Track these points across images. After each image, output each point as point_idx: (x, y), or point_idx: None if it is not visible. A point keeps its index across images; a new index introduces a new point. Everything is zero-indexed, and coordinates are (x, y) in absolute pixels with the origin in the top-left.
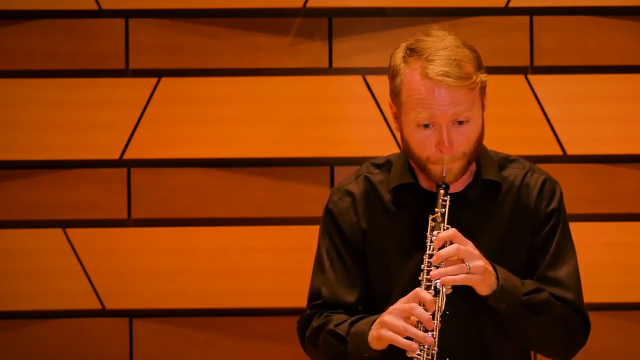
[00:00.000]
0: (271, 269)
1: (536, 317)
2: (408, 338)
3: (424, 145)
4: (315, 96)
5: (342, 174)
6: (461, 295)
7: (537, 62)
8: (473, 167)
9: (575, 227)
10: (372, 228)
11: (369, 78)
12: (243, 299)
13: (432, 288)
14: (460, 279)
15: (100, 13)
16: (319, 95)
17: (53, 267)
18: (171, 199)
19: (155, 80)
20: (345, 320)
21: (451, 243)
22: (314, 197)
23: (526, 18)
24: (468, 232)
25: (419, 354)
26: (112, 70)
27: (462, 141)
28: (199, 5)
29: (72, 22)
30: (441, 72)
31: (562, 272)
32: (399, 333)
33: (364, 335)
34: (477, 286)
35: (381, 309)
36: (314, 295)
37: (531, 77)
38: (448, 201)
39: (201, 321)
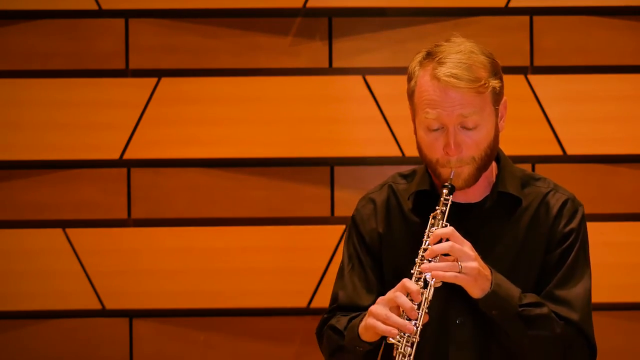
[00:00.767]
0: (271, 269)
1: (531, 331)
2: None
3: (433, 147)
4: (315, 96)
5: (342, 174)
6: (472, 304)
7: (537, 62)
8: (492, 179)
9: None
10: (389, 234)
11: (369, 78)
12: (243, 299)
13: (422, 280)
14: (450, 276)
15: (100, 13)
16: (319, 95)
17: (53, 267)
18: (171, 199)
19: (155, 80)
20: (346, 317)
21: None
22: (314, 197)
23: (526, 18)
24: (482, 244)
25: (398, 341)
26: (112, 70)
27: (471, 145)
28: (199, 5)
29: (72, 22)
30: (449, 74)
31: (570, 293)
32: (381, 321)
33: (355, 327)
34: (468, 288)
35: None
36: (333, 299)
37: (531, 77)
38: (450, 201)
39: (201, 321)
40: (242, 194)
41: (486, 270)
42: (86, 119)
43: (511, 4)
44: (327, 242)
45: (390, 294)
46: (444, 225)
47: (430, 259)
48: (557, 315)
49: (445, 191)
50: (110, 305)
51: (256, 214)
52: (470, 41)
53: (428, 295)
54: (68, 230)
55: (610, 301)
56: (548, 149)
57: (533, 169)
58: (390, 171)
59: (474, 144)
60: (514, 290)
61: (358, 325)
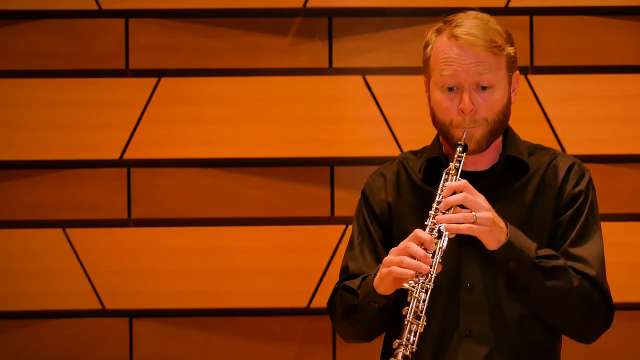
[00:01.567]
0: (271, 269)
1: (549, 282)
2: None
3: (447, 109)
4: (315, 96)
5: (342, 174)
6: (483, 266)
7: (537, 62)
8: (500, 147)
9: None
10: (399, 204)
11: (369, 78)
12: (243, 299)
13: (436, 231)
14: (464, 227)
15: (100, 13)
16: (319, 95)
17: (53, 267)
18: (171, 199)
19: (155, 80)
20: (359, 277)
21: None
22: (314, 197)
23: (526, 18)
24: (492, 209)
25: (413, 286)
26: (112, 70)
27: (485, 107)
28: (199, 5)
29: (72, 22)
30: (466, 32)
31: (585, 250)
32: (396, 264)
33: (370, 282)
34: (483, 238)
35: None
36: (342, 270)
37: (531, 77)
38: (464, 158)
39: (201, 321)
40: (242, 194)
41: (501, 222)
42: (86, 119)
43: (511, 4)
44: (327, 242)
45: (402, 244)
46: (457, 179)
47: (444, 211)
48: (573, 269)
49: (459, 149)
50: (110, 305)
51: (256, 214)
52: (486, 15)
53: (442, 245)
54: (68, 230)
55: None
56: None
57: None
58: None
59: (488, 105)
60: (530, 242)
61: (372, 280)
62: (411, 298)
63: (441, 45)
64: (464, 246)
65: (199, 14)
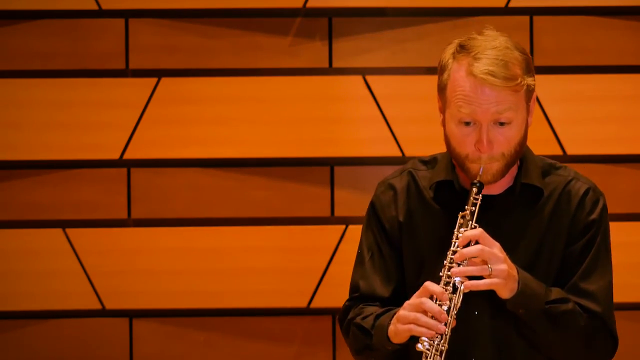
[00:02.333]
0: (271, 269)
1: (556, 327)
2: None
3: (464, 142)
4: (315, 96)
5: (342, 174)
6: (491, 296)
7: (537, 62)
8: (514, 170)
9: None
10: (409, 222)
11: (369, 78)
12: (243, 299)
13: (451, 285)
14: (483, 284)
15: (100, 13)
16: (319, 95)
17: (53, 267)
18: (171, 199)
19: (155, 80)
20: (372, 314)
21: (477, 243)
22: (314, 197)
23: (526, 18)
24: (504, 235)
25: (427, 348)
26: (112, 70)
27: (503, 142)
28: (199, 5)
29: (72, 22)
30: (486, 71)
31: (594, 285)
32: (412, 322)
33: (384, 329)
34: (498, 290)
35: None
36: (353, 287)
37: None
38: (480, 200)
39: (201, 321)
40: (242, 194)
41: (513, 271)
42: (86, 119)
43: (511, 4)
44: (327, 242)
45: (415, 299)
46: (473, 226)
47: (459, 262)
48: (580, 307)
49: (474, 190)
50: (110, 305)
51: (256, 214)
52: (504, 35)
53: (457, 302)
54: (68, 230)
55: None
56: (548, 149)
57: None
58: (390, 171)
59: (506, 141)
60: (540, 288)
61: (387, 328)
62: None
63: (459, 79)
64: (472, 277)
65: (199, 14)
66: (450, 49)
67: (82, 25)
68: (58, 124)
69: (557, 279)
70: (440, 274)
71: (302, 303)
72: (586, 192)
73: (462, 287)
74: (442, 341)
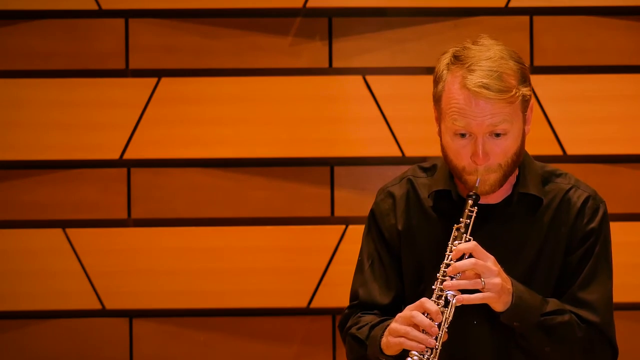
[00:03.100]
0: (271, 269)
1: (552, 339)
2: None
3: (460, 154)
4: (315, 96)
5: (342, 174)
6: (488, 307)
7: (537, 62)
8: (513, 179)
9: None
10: (408, 230)
11: (369, 78)
12: (243, 299)
13: (443, 298)
14: (475, 298)
15: (100, 13)
16: (319, 95)
17: (53, 267)
18: (171, 199)
19: (155, 80)
20: (367, 324)
21: (470, 256)
22: (314, 197)
23: (526, 18)
24: (503, 245)
25: None
26: (112, 70)
27: (499, 153)
28: (199, 5)
29: (72, 22)
30: (480, 84)
31: (592, 295)
32: (402, 336)
33: (377, 341)
34: (491, 303)
35: None
36: (352, 295)
37: (531, 77)
38: (475, 212)
39: (201, 321)
40: (242, 194)
41: (508, 284)
42: (86, 119)
43: (511, 4)
44: (327, 242)
45: (407, 312)
46: (467, 239)
47: (452, 276)
48: (578, 317)
49: (470, 202)
50: (110, 305)
51: (256, 214)
52: (499, 43)
53: (449, 316)
54: (68, 230)
55: None
56: (548, 149)
57: None
58: (390, 171)
59: (502, 152)
60: (535, 300)
61: (380, 340)
62: None
63: (453, 91)
64: (466, 290)
65: (199, 14)
66: (445, 59)
67: (82, 25)
68: (58, 124)
69: (557, 289)
70: (433, 287)
71: (302, 303)
72: (586, 201)
73: (455, 301)
74: (432, 355)
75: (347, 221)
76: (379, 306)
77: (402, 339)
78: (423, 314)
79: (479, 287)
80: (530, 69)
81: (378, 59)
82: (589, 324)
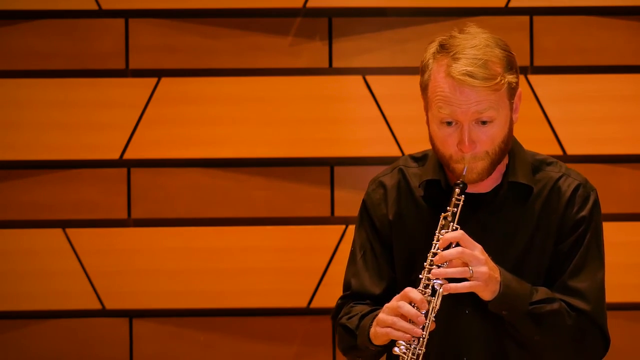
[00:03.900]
0: (271, 269)
1: (541, 327)
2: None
3: (446, 143)
4: (315, 96)
5: (342, 174)
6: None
7: (537, 62)
8: (503, 168)
9: None
10: (398, 220)
11: (369, 78)
12: (243, 299)
13: (430, 287)
14: (462, 287)
15: (100, 13)
16: (319, 95)
17: (53, 267)
18: (171, 199)
19: (155, 80)
20: (357, 314)
21: (458, 244)
22: (314, 197)
23: (526, 18)
24: (493, 234)
25: (404, 352)
26: (112, 70)
27: (486, 141)
28: (199, 5)
29: (72, 22)
30: (464, 72)
31: (583, 283)
32: (389, 326)
33: (366, 330)
34: (479, 292)
35: None
36: (345, 285)
37: (531, 77)
38: (462, 201)
39: (201, 321)
40: (242, 194)
41: (495, 272)
42: (86, 119)
43: (511, 4)
44: (327, 242)
45: (394, 302)
46: (454, 227)
47: (439, 265)
48: (569, 305)
49: (457, 190)
50: (110, 305)
51: (256, 214)
52: (485, 32)
53: (436, 305)
54: (68, 230)
55: (610, 301)
56: (548, 149)
57: None
58: None
59: (489, 139)
60: (524, 289)
61: (368, 330)
62: None
63: (439, 80)
64: (453, 279)
65: (199, 14)
66: (431, 48)
67: (82, 25)
68: (58, 124)
69: (547, 278)
70: (420, 276)
71: (302, 303)
72: (576, 189)
73: (441, 290)
74: (419, 344)
75: (347, 221)
76: (371, 296)
77: (388, 329)
78: (410, 303)
79: (466, 275)
80: (530, 69)
81: (378, 59)
82: (580, 312)
